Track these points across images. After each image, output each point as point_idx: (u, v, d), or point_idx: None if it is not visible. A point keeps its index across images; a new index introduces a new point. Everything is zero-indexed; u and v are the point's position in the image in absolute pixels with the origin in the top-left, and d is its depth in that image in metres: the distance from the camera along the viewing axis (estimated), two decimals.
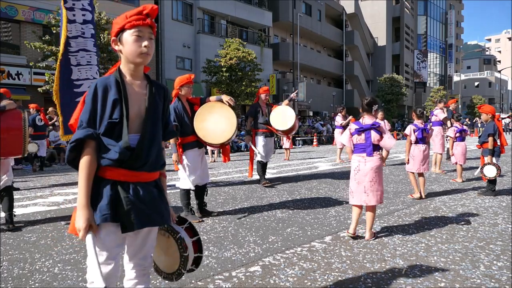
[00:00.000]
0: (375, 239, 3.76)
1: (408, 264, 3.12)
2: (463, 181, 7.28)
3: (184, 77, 4.54)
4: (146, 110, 1.74)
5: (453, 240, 3.73)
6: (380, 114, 11.07)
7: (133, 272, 1.80)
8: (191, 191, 4.65)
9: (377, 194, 3.69)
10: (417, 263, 3.13)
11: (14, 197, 4.58)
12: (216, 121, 4.45)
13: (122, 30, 1.71)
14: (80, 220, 1.59)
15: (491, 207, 5.12)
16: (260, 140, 6.89)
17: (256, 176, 8.42)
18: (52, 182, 8.16)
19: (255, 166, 7.03)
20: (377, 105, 3.80)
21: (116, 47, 1.76)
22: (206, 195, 4.87)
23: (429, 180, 7.57)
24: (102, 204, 1.63)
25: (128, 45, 1.70)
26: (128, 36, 1.69)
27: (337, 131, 11.52)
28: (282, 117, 6.69)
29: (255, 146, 6.80)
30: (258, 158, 6.87)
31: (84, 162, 1.64)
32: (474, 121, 36.44)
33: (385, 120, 10.92)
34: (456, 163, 7.39)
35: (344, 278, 2.85)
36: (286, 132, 6.87)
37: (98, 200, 1.64)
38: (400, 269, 3.01)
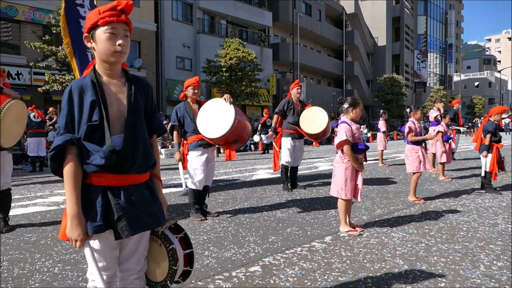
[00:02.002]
0: (365, 230, 3.77)
1: (408, 264, 3.12)
2: (445, 179, 7.55)
3: (190, 79, 4.64)
4: (127, 109, 1.65)
5: (453, 240, 3.73)
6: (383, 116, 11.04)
7: (126, 275, 1.76)
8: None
9: (333, 187, 4.04)
10: (417, 263, 3.13)
11: (14, 197, 4.57)
12: (212, 114, 4.30)
13: (95, 26, 1.60)
14: (74, 231, 1.55)
15: (491, 207, 5.12)
16: (287, 142, 6.32)
17: (256, 176, 8.41)
18: (52, 182, 8.16)
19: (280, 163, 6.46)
20: (347, 105, 3.98)
21: (89, 44, 1.65)
22: (208, 197, 4.87)
23: (429, 180, 7.57)
24: (94, 215, 1.58)
25: (101, 43, 1.60)
26: (101, 33, 1.59)
27: None
28: (312, 118, 6.08)
29: (279, 148, 6.33)
30: (282, 161, 6.43)
31: (68, 170, 1.57)
32: (474, 121, 36.48)
33: (381, 121, 10.93)
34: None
35: (344, 278, 2.85)
36: (316, 136, 6.24)
37: (89, 209, 1.59)
38: (400, 269, 3.01)
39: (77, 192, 1.58)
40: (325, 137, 6.38)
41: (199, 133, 4.38)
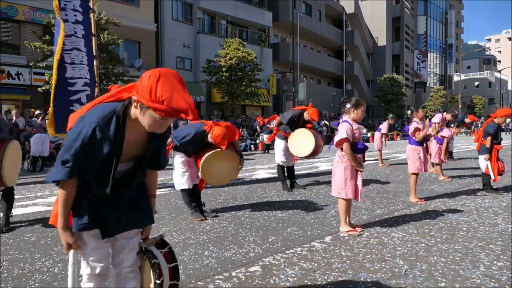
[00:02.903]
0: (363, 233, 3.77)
1: (408, 264, 3.12)
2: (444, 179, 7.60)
3: (225, 135, 4.23)
4: (142, 152, 1.72)
5: (453, 240, 3.73)
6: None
7: (119, 269, 1.83)
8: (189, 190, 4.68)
9: (334, 187, 4.06)
10: (417, 263, 3.13)
11: (14, 197, 4.57)
12: (219, 168, 4.45)
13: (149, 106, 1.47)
14: (62, 239, 1.70)
15: (491, 207, 5.12)
16: (282, 144, 6.53)
17: (256, 176, 8.43)
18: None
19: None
20: (349, 105, 3.97)
21: (134, 104, 1.54)
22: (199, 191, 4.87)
23: (429, 180, 7.57)
24: (81, 214, 1.66)
25: (147, 119, 1.51)
26: (153, 116, 1.49)
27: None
28: (299, 142, 6.12)
29: (274, 148, 6.55)
30: (277, 161, 6.64)
31: (64, 192, 1.64)
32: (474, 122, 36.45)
33: (385, 123, 10.89)
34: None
35: (344, 278, 2.85)
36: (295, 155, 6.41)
37: (78, 208, 1.68)
38: (400, 269, 3.01)
39: (68, 210, 1.67)
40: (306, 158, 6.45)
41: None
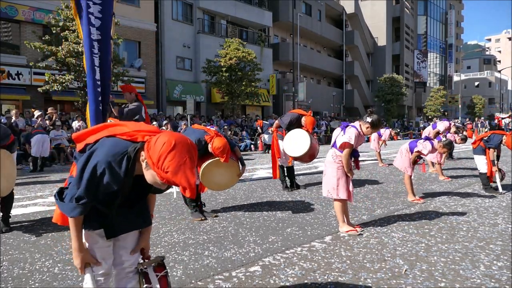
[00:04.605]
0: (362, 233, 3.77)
1: (408, 264, 3.12)
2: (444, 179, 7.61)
3: (225, 148, 4.21)
4: (143, 190, 1.82)
5: (453, 240, 3.73)
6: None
7: (120, 269, 1.91)
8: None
9: (324, 187, 4.06)
10: (417, 263, 3.13)
11: (14, 197, 4.57)
12: (219, 175, 4.43)
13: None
14: (76, 260, 1.75)
15: (491, 207, 5.12)
16: (281, 144, 6.45)
17: (256, 176, 8.42)
18: (52, 182, 8.16)
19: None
20: (370, 119, 3.89)
21: (142, 157, 1.59)
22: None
23: (429, 180, 7.57)
24: (89, 217, 1.75)
25: (149, 176, 1.56)
26: (154, 177, 1.53)
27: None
28: (293, 141, 5.76)
29: (277, 148, 6.47)
30: (279, 162, 6.62)
31: (76, 221, 1.71)
32: (474, 121, 36.45)
33: (388, 131, 10.88)
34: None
35: (344, 278, 2.85)
36: (292, 158, 6.07)
37: (86, 215, 1.75)
38: (400, 269, 3.01)
39: (81, 232, 1.75)
40: (300, 160, 5.99)
41: None
